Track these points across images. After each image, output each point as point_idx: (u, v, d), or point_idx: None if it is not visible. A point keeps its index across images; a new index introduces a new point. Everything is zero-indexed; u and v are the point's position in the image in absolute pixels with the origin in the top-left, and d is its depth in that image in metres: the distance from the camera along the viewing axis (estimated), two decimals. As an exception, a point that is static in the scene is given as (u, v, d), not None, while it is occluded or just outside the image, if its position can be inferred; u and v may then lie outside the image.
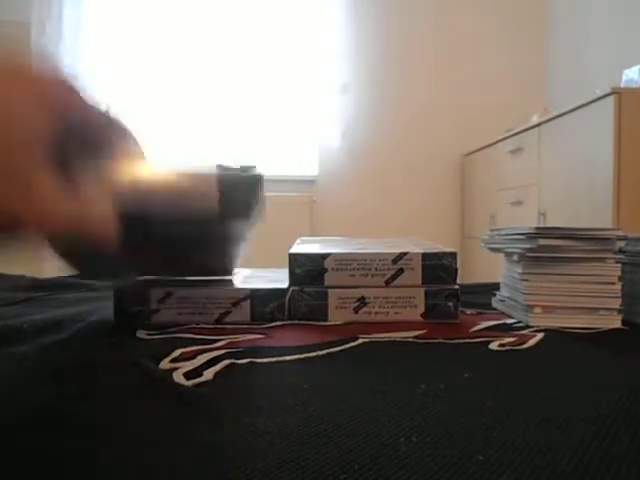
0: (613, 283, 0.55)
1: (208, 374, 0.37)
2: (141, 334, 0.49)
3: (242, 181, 0.40)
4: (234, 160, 0.45)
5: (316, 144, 3.23)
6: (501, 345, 0.46)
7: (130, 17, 3.16)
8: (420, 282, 0.50)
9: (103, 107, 0.31)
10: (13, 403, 0.31)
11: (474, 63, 3.26)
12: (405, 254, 0.50)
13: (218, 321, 0.51)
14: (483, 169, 2.98)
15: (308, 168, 3.28)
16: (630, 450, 0.25)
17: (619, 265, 0.55)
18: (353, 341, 0.45)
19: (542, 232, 0.55)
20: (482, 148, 2.95)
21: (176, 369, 0.38)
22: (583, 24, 2.87)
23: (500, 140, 2.71)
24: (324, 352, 0.43)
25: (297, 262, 0.50)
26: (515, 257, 0.59)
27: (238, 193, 0.37)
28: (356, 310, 0.50)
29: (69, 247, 0.31)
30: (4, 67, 0.27)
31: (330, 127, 3.14)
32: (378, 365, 0.40)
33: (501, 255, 0.65)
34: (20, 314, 0.58)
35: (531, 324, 0.55)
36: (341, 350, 0.43)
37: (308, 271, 0.50)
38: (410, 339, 0.47)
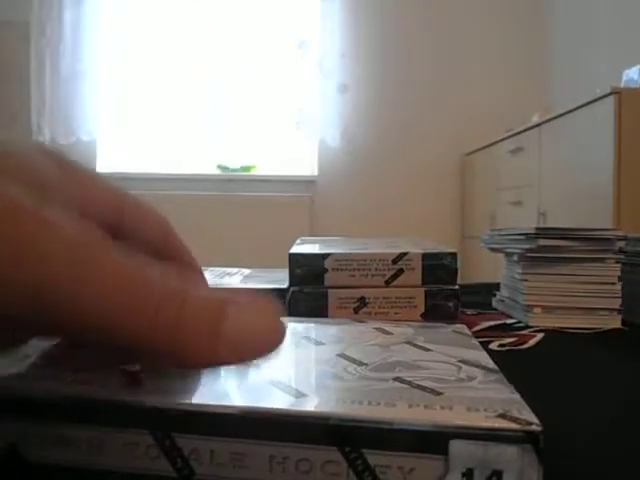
0: (613, 283, 0.55)
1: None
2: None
3: None
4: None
5: (316, 144, 3.23)
6: (501, 345, 0.46)
7: (130, 17, 3.16)
8: (420, 282, 0.50)
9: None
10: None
11: (474, 62, 3.26)
12: (405, 254, 0.50)
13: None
14: (483, 169, 2.98)
15: (308, 168, 3.28)
16: (631, 452, 0.25)
17: (619, 265, 0.55)
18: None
19: (542, 232, 0.55)
20: (482, 148, 2.95)
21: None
22: (583, 23, 2.87)
23: (500, 140, 2.71)
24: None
25: (297, 262, 0.50)
26: (515, 257, 0.59)
27: None
28: (356, 310, 0.50)
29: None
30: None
31: (330, 127, 3.14)
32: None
33: (501, 255, 0.65)
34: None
35: (531, 324, 0.55)
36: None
37: (308, 271, 0.50)
38: (410, 339, 0.47)
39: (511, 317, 0.59)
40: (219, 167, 3.27)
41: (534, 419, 0.16)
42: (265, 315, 0.18)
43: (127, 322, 0.16)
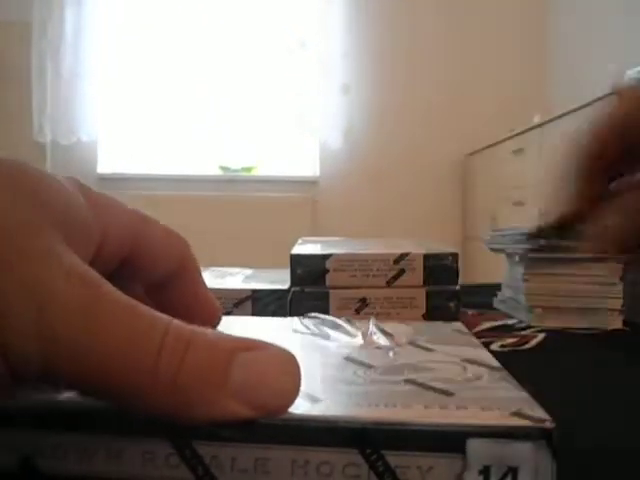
0: (614, 283, 0.55)
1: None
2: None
3: None
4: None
5: (317, 145, 3.23)
6: (502, 346, 0.46)
7: (131, 17, 3.16)
8: (421, 283, 0.50)
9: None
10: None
11: (475, 63, 3.26)
12: (407, 254, 0.50)
13: (219, 322, 0.51)
14: (485, 169, 2.98)
15: (310, 169, 3.28)
16: (633, 453, 0.25)
17: (621, 265, 0.55)
18: (354, 342, 0.45)
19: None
20: (484, 148, 2.95)
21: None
22: (585, 23, 2.87)
23: (502, 140, 2.71)
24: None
25: (298, 262, 0.50)
26: (516, 257, 0.59)
27: None
28: (357, 311, 0.50)
29: None
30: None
31: (332, 128, 3.14)
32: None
33: (502, 256, 0.65)
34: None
35: (532, 324, 0.55)
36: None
37: (309, 272, 0.50)
38: (411, 340, 0.47)
39: (512, 317, 0.59)
40: (221, 168, 3.27)
41: (546, 416, 0.17)
42: (279, 363, 0.17)
43: (128, 366, 0.15)
